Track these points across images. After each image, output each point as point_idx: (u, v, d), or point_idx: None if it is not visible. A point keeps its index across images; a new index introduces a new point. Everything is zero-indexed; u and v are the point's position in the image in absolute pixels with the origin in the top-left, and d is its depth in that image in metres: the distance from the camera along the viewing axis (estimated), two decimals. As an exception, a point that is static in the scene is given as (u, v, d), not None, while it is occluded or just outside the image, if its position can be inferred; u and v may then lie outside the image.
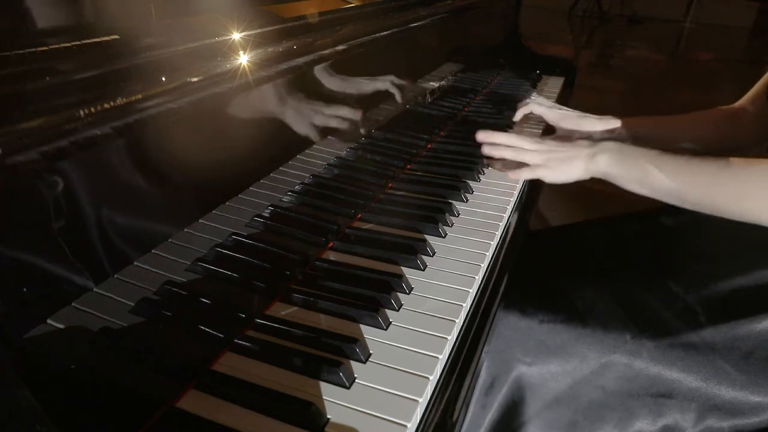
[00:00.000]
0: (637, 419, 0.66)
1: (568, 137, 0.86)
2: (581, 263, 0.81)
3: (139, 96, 0.41)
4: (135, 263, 0.46)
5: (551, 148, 0.80)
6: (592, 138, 0.85)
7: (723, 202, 0.64)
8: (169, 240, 0.49)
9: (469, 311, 0.58)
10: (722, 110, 0.92)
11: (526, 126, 1.09)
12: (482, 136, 0.86)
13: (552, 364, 0.69)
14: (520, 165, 0.83)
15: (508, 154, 0.82)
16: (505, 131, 1.07)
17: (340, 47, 0.70)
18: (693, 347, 0.65)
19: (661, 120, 0.96)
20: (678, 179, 0.67)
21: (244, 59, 0.51)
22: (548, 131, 1.07)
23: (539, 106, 1.01)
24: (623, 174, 0.72)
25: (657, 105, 3.64)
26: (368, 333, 0.52)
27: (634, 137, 0.95)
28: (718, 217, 0.65)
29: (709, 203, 0.65)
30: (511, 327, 0.71)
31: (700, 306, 0.67)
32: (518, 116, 1.07)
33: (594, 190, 1.01)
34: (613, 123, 0.95)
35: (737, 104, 0.90)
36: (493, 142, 0.84)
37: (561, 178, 0.77)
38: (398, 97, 0.93)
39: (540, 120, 1.09)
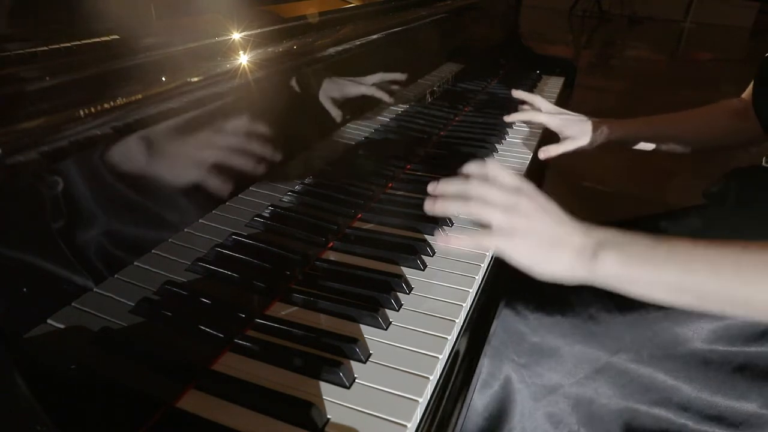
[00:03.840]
0: (631, 426, 0.65)
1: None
2: None
3: (139, 96, 0.41)
4: (135, 263, 0.46)
5: (531, 213, 0.53)
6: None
7: None
8: (169, 240, 0.49)
9: (469, 311, 0.58)
10: (732, 103, 0.90)
11: (522, 131, 1.07)
12: (431, 188, 0.59)
13: (546, 367, 0.68)
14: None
15: (470, 209, 0.54)
16: (504, 137, 1.07)
17: (340, 47, 0.70)
18: (691, 356, 0.64)
19: (669, 118, 0.93)
20: (720, 278, 0.47)
21: (244, 59, 0.51)
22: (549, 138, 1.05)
23: (538, 114, 0.96)
24: (648, 277, 0.49)
25: (657, 105, 3.64)
26: (368, 333, 0.52)
27: (641, 139, 0.93)
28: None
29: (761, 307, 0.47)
30: (506, 328, 0.70)
31: (700, 316, 0.66)
32: (513, 118, 1.00)
33: (595, 189, 0.99)
34: (618, 126, 0.92)
35: (744, 96, 0.88)
36: (432, 210, 0.57)
37: (526, 265, 0.52)
38: (398, 96, 0.93)
39: (538, 126, 1.06)
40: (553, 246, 0.52)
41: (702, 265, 0.48)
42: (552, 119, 0.95)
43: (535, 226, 0.53)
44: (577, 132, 0.93)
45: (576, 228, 0.53)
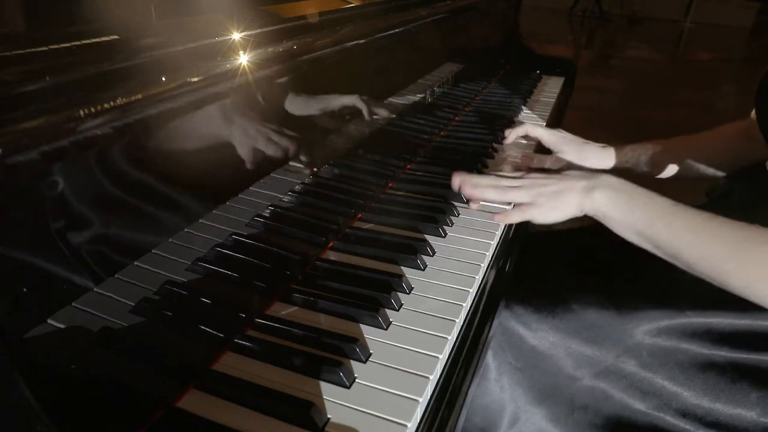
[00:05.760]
0: (629, 431, 0.65)
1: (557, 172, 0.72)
2: (581, 269, 0.78)
3: (139, 96, 0.41)
4: (135, 263, 0.46)
5: (538, 182, 0.68)
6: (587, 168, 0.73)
7: (742, 281, 0.53)
8: (169, 240, 0.49)
9: (469, 311, 0.58)
10: (735, 126, 0.86)
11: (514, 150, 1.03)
12: (458, 180, 0.72)
13: (544, 370, 0.68)
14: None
15: (491, 196, 0.70)
16: (499, 140, 1.07)
17: (340, 47, 0.70)
18: (692, 363, 0.64)
19: (669, 143, 0.89)
20: (690, 241, 0.56)
21: (244, 59, 0.51)
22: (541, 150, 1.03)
23: (535, 128, 0.95)
24: (621, 218, 0.61)
25: (657, 105, 3.64)
26: (368, 333, 0.52)
27: (640, 166, 0.90)
28: None
29: (724, 279, 0.54)
30: (504, 330, 0.70)
31: (701, 323, 0.65)
32: (510, 139, 1.00)
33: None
34: (616, 153, 0.89)
35: (752, 116, 0.82)
36: (471, 194, 0.72)
37: (552, 218, 0.66)
38: (398, 96, 0.93)
39: (531, 140, 1.03)
40: (562, 193, 0.65)
41: (679, 226, 0.57)
42: (549, 134, 0.94)
43: (544, 188, 0.66)
44: (572, 150, 0.91)
45: (579, 175, 0.67)
